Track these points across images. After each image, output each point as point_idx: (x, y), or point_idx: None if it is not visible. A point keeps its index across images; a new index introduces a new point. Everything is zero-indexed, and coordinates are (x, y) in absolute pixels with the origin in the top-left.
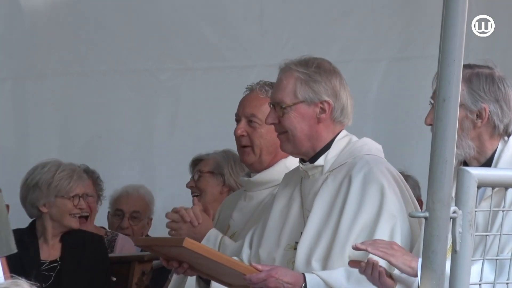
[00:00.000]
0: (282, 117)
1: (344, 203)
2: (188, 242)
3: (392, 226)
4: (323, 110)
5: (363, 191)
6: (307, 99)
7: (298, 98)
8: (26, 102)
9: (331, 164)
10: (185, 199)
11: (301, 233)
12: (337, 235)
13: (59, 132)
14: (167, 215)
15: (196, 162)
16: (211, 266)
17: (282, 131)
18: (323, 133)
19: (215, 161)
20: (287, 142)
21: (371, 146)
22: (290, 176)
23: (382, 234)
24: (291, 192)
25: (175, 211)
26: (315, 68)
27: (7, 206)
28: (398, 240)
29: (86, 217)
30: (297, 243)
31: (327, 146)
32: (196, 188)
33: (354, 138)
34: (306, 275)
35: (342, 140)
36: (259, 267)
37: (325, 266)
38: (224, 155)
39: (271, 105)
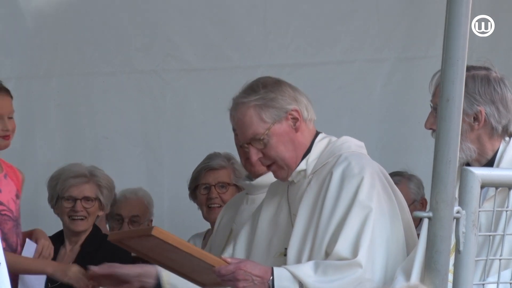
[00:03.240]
0: (265, 148)
1: (324, 199)
2: (157, 231)
3: (365, 216)
4: (295, 119)
5: (341, 185)
6: (276, 118)
7: (268, 122)
8: (31, 103)
9: (313, 166)
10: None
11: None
12: (317, 231)
13: (64, 133)
14: None
15: None
16: (181, 260)
17: (270, 162)
18: (302, 139)
19: None
20: (281, 169)
21: (351, 143)
22: (276, 185)
23: (353, 224)
24: (279, 200)
25: None
26: (263, 89)
27: None
28: (368, 232)
29: None
30: (286, 249)
31: (307, 150)
32: None
33: (334, 138)
34: (274, 268)
35: (322, 142)
36: (228, 260)
37: None
38: None
39: (246, 145)
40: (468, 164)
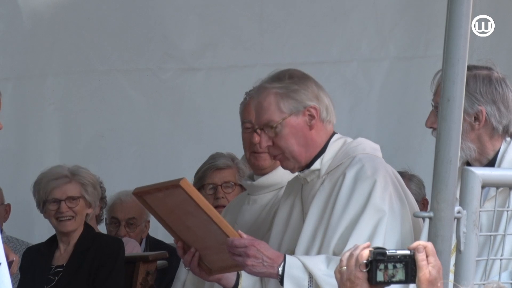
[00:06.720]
0: (276, 137)
1: (336, 200)
2: (185, 183)
3: (378, 220)
4: (311, 116)
5: (354, 187)
6: (294, 110)
7: (285, 112)
8: (27, 102)
9: (327, 166)
10: None
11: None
12: (327, 231)
13: (60, 132)
14: None
15: None
16: (197, 229)
17: (278, 153)
18: (316, 138)
19: None
20: (287, 160)
21: (366, 146)
22: (292, 184)
23: (365, 227)
24: (293, 200)
25: None
26: (288, 79)
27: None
28: (381, 235)
29: None
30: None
31: (322, 150)
32: None
33: (349, 139)
34: (287, 256)
35: (337, 142)
36: (244, 235)
37: None
38: None
39: (259, 130)
40: (468, 164)
